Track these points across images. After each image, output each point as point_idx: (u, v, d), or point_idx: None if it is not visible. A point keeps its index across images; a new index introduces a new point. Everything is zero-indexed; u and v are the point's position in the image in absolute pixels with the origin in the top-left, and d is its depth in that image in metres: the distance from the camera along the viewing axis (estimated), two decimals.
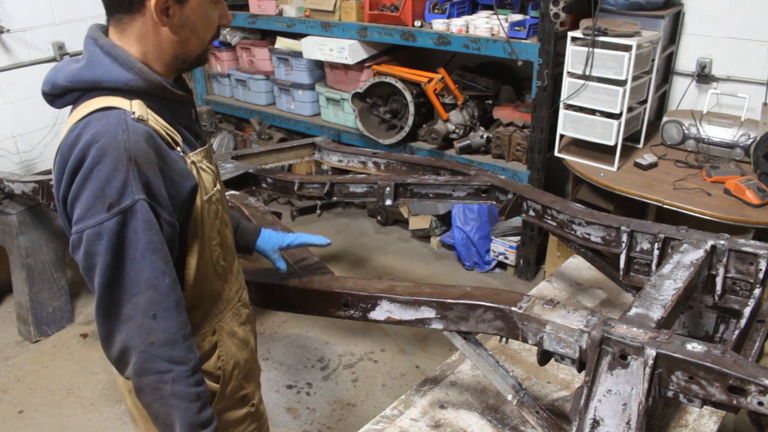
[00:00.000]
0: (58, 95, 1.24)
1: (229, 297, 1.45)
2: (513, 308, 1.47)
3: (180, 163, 1.24)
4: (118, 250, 1.15)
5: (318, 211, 3.24)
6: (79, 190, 1.14)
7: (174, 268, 1.22)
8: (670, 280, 1.57)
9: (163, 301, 1.18)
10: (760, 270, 1.70)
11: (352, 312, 1.69)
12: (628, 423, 1.28)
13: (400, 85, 3.79)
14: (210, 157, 1.39)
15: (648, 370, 1.26)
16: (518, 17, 3.47)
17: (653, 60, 3.12)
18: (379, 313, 1.66)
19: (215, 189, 1.35)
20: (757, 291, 1.70)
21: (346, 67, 4.12)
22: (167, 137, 1.23)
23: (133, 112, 1.17)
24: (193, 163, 1.28)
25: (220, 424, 1.45)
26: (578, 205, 2.14)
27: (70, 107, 1.25)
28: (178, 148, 1.25)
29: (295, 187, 2.73)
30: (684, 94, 3.44)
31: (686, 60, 3.41)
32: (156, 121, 1.22)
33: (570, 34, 3.03)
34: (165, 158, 1.20)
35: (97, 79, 1.19)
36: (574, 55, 3.03)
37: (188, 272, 1.30)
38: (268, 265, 1.77)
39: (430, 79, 3.76)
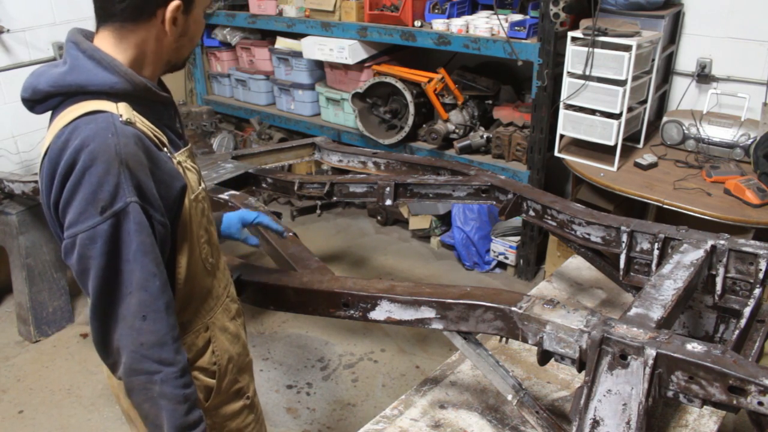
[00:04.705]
0: (39, 101, 1.23)
1: (218, 293, 1.46)
2: (513, 308, 1.47)
3: (169, 164, 1.25)
4: (112, 253, 1.15)
5: (318, 211, 3.24)
6: (70, 195, 1.14)
7: (165, 270, 1.23)
8: (670, 280, 1.57)
9: (153, 303, 1.19)
10: (760, 270, 1.70)
11: (352, 312, 1.69)
12: (628, 423, 1.28)
13: (400, 85, 3.79)
14: (192, 156, 1.41)
15: (648, 370, 1.26)
16: (518, 17, 3.47)
17: (653, 60, 3.12)
18: (379, 313, 1.66)
19: (200, 188, 1.37)
20: (757, 291, 1.70)
21: (346, 67, 4.12)
22: (155, 139, 1.24)
23: (121, 115, 1.18)
24: (179, 163, 1.30)
25: (218, 418, 1.47)
26: (578, 205, 2.15)
27: (50, 113, 1.25)
28: (165, 149, 1.26)
29: (295, 187, 2.73)
30: (684, 94, 3.44)
31: (686, 60, 3.41)
32: (143, 123, 1.22)
33: (570, 34, 3.03)
34: (155, 159, 1.21)
35: (81, 83, 1.19)
36: (574, 55, 3.03)
37: (179, 271, 1.31)
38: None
39: (430, 79, 3.76)
